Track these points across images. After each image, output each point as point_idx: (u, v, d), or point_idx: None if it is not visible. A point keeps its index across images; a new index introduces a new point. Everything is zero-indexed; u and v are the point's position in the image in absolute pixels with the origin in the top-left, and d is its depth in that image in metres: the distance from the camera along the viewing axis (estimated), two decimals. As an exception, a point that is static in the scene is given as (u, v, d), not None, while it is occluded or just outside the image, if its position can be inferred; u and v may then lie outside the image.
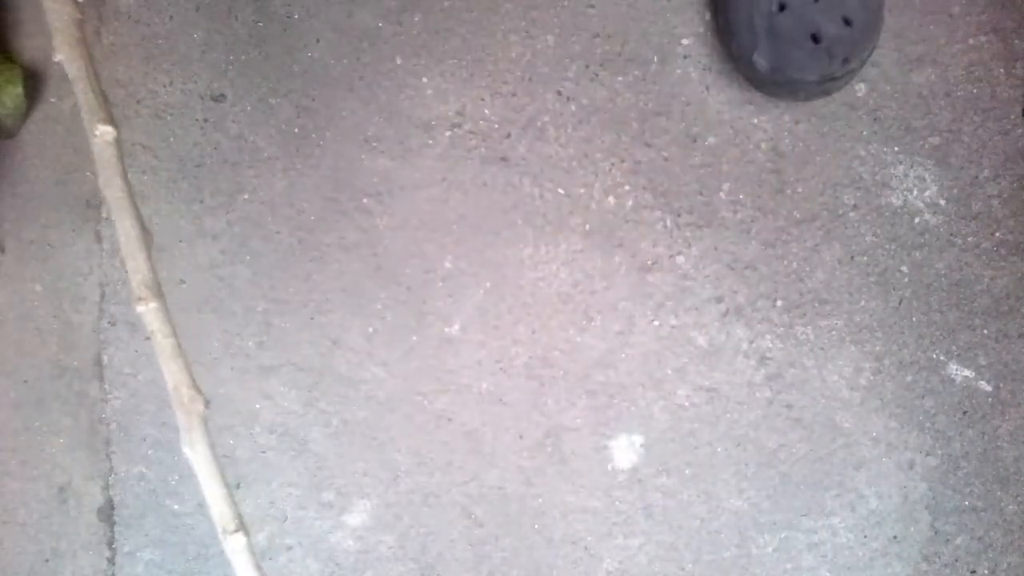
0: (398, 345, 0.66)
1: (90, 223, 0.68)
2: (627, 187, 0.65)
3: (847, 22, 0.59)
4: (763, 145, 0.64)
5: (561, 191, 0.65)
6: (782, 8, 0.60)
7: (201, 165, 0.67)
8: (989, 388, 0.64)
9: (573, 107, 0.65)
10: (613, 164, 0.65)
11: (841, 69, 0.60)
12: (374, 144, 0.66)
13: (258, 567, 0.40)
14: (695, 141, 0.65)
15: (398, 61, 0.66)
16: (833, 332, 0.64)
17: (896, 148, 0.64)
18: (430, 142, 0.66)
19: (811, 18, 0.60)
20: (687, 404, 0.65)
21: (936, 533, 0.64)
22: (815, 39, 0.60)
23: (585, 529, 0.65)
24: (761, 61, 0.61)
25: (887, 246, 0.64)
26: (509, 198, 0.65)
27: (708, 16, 0.65)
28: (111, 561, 0.69)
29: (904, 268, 0.64)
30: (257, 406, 0.67)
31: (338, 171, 0.66)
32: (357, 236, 0.66)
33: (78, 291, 0.69)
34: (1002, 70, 0.64)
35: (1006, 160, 0.64)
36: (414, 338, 0.66)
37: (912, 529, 0.64)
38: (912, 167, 0.64)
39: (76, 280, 0.68)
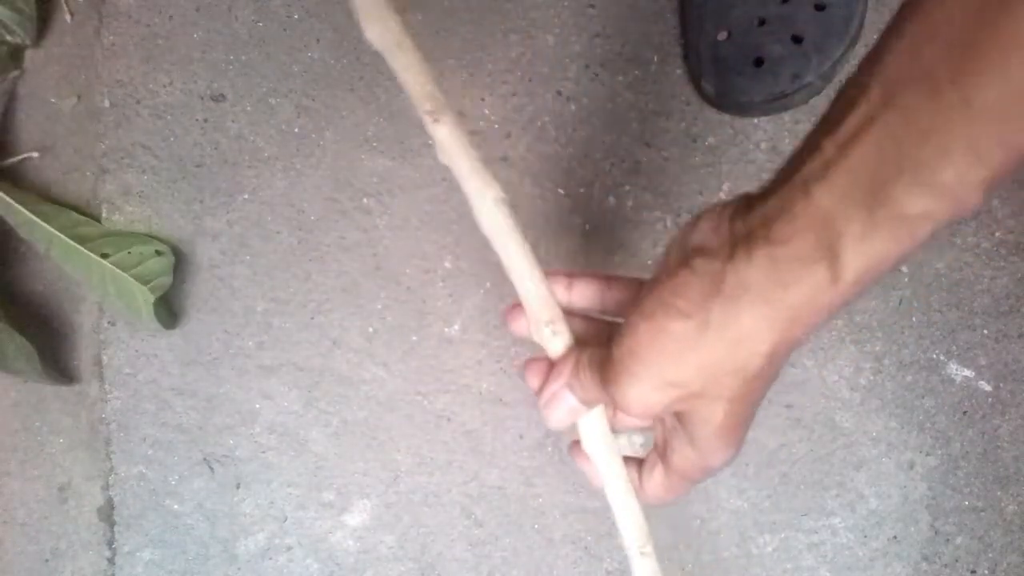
0: (398, 345, 0.66)
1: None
2: (627, 187, 0.65)
3: (797, 40, 0.58)
4: (763, 145, 0.64)
5: (561, 191, 0.65)
6: (728, 35, 0.59)
7: (201, 165, 0.67)
8: (989, 388, 0.64)
9: (573, 107, 0.65)
10: (613, 164, 0.65)
11: (792, 86, 0.58)
12: (374, 144, 0.66)
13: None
14: (695, 141, 0.65)
15: (398, 61, 0.66)
16: (833, 332, 0.64)
17: (896, 148, 0.64)
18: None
19: (755, 42, 0.58)
20: (687, 404, 0.65)
21: (936, 533, 0.64)
22: (758, 62, 0.59)
23: (585, 529, 0.65)
24: (708, 88, 0.61)
25: (887, 246, 0.64)
26: (509, 198, 0.65)
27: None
28: (111, 561, 0.69)
29: (904, 268, 0.64)
30: (257, 406, 0.67)
31: (338, 171, 0.66)
32: (357, 236, 0.66)
33: (78, 291, 0.69)
34: (1002, 70, 0.64)
35: (1006, 160, 0.64)
36: (414, 338, 0.66)
37: (912, 529, 0.64)
38: (912, 167, 0.64)
39: (76, 280, 0.68)
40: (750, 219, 0.26)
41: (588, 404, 0.33)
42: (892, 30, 0.23)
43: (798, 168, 0.25)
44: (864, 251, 0.23)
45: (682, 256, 0.28)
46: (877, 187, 0.23)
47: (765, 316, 0.25)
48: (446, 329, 0.66)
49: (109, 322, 0.68)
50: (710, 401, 0.28)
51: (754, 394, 0.28)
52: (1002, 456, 0.64)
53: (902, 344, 0.64)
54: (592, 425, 0.34)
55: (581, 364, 0.32)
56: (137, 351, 0.68)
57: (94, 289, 0.65)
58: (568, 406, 0.33)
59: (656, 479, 0.34)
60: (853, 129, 0.23)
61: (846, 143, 0.23)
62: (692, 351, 0.26)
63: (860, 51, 0.63)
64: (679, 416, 0.30)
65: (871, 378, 0.64)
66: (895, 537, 0.64)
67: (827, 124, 0.24)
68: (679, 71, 0.65)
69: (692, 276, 0.26)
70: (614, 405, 0.31)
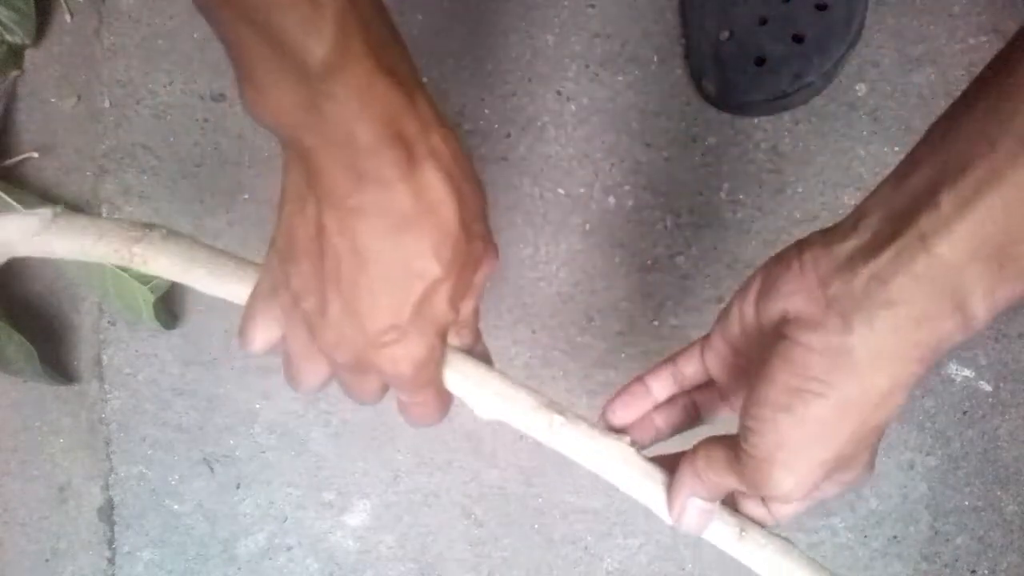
0: (398, 345, 0.66)
1: (90, 223, 0.68)
2: (627, 187, 0.65)
3: (798, 39, 0.58)
4: (763, 145, 0.64)
5: (561, 191, 0.65)
6: (730, 35, 0.60)
7: (201, 165, 0.67)
8: (989, 388, 0.64)
9: (573, 107, 0.65)
10: (613, 164, 0.65)
11: (792, 85, 0.59)
12: (374, 144, 0.66)
13: None
14: (695, 141, 0.65)
15: (398, 61, 0.66)
16: (833, 332, 0.64)
17: (896, 148, 0.64)
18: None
19: (757, 41, 0.59)
20: (687, 404, 0.65)
21: (936, 533, 0.64)
22: (760, 62, 0.59)
23: (585, 529, 0.65)
24: (709, 87, 0.61)
25: (887, 246, 0.64)
26: (509, 198, 0.65)
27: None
28: (111, 561, 0.69)
29: (904, 268, 0.64)
30: (257, 406, 0.67)
31: (338, 171, 0.66)
32: (357, 236, 0.66)
33: (78, 291, 0.69)
34: (1002, 70, 0.64)
35: (1006, 160, 0.64)
36: (414, 338, 0.66)
37: (912, 529, 0.64)
38: (912, 167, 0.64)
39: (76, 280, 0.68)
40: (853, 279, 0.25)
41: (714, 500, 0.35)
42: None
43: (910, 223, 0.24)
44: (994, 300, 0.24)
45: (773, 327, 0.29)
46: (1007, 243, 0.23)
47: (899, 373, 0.26)
48: (446, 329, 0.66)
49: (109, 322, 0.68)
50: (859, 453, 0.29)
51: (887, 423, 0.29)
52: (1002, 456, 0.64)
53: (902, 344, 0.64)
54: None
55: (701, 470, 0.35)
56: (137, 351, 0.68)
57: (94, 289, 0.65)
58: (700, 509, 0.35)
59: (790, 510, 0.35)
60: (976, 184, 0.23)
61: (969, 199, 0.23)
62: (839, 424, 0.27)
63: (860, 50, 0.63)
64: None
65: (871, 378, 0.64)
66: (895, 537, 0.64)
67: (942, 175, 0.24)
68: (679, 71, 0.65)
69: (810, 355, 0.26)
70: (765, 497, 0.33)
